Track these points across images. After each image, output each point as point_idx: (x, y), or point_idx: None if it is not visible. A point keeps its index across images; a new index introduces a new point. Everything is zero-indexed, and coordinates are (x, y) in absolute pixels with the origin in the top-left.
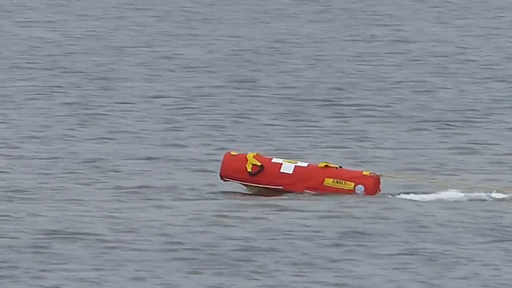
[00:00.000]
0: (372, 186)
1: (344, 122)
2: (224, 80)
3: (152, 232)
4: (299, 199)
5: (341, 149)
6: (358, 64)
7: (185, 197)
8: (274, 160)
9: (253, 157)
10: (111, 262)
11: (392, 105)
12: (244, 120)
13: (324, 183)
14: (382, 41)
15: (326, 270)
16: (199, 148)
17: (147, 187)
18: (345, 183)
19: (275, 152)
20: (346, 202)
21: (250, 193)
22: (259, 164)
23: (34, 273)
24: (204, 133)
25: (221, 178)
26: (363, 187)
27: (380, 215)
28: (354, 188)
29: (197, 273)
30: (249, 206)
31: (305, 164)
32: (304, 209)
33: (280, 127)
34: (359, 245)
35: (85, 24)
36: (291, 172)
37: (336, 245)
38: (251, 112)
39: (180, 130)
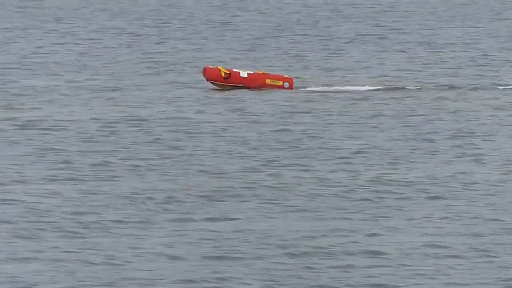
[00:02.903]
0: (292, 83)
1: None
2: None
3: None
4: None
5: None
6: None
7: None
8: (234, 69)
9: (222, 68)
10: None
11: None
12: None
13: (266, 82)
14: None
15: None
16: None
17: None
18: (277, 81)
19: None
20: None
21: (222, 89)
22: (228, 72)
23: None
24: None
25: (207, 80)
26: (288, 84)
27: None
28: (283, 84)
29: None
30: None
31: (251, 71)
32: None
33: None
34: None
35: None
36: (246, 76)
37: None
38: None
39: None
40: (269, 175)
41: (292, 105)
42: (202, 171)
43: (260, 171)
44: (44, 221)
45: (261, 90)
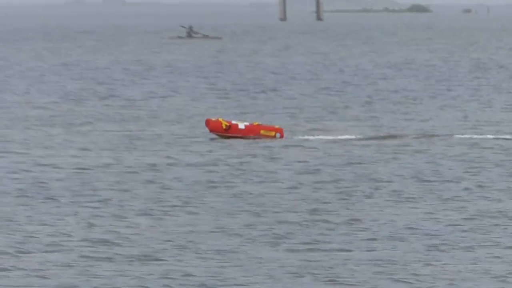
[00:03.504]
0: (283, 133)
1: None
2: None
3: None
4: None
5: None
6: None
7: None
8: (233, 121)
9: (223, 120)
10: None
11: None
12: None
13: (260, 133)
14: None
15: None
16: None
17: None
18: (269, 132)
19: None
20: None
21: (222, 139)
22: (228, 124)
23: None
24: None
25: (210, 131)
26: (279, 134)
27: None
28: (275, 135)
29: None
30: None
31: (248, 123)
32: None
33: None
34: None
35: None
36: (243, 128)
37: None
38: None
39: None
40: (329, 215)
41: (334, 153)
42: (275, 212)
43: (321, 212)
44: (130, 251)
45: (298, 140)
